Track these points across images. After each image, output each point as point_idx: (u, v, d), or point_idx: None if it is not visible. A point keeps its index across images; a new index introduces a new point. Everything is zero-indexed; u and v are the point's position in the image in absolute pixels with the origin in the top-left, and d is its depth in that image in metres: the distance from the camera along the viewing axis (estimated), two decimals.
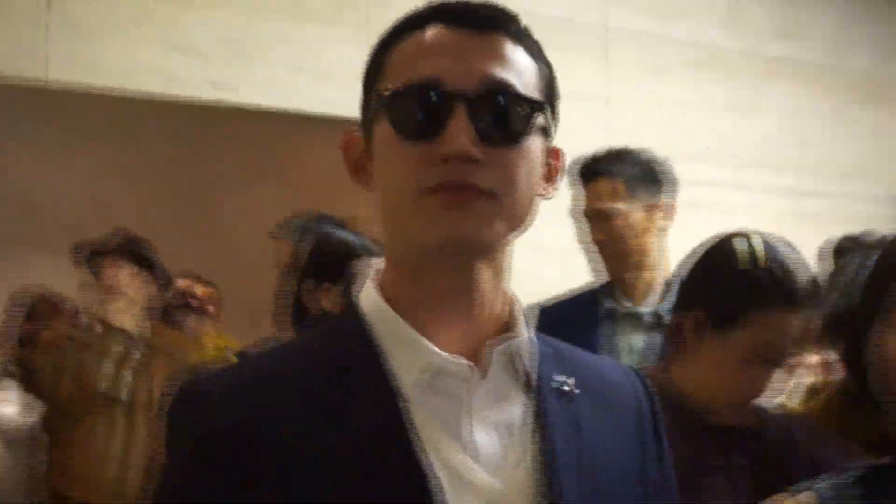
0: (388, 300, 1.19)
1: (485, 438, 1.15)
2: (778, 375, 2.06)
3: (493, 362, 1.18)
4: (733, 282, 2.05)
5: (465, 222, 1.12)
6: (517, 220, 1.17)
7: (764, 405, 2.22)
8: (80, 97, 3.93)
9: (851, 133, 5.79)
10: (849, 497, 1.46)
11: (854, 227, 5.03)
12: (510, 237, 1.18)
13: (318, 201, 5.68)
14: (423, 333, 1.16)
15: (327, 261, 3.12)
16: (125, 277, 4.37)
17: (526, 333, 1.21)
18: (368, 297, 1.22)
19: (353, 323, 1.20)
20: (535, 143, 1.17)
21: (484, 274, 1.18)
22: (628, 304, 3.06)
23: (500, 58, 1.16)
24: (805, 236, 5.12)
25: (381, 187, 1.19)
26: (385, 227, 1.21)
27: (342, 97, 3.93)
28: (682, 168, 4.88)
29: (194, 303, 5.58)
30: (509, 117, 1.14)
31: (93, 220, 6.48)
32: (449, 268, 1.16)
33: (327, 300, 3.08)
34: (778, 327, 2.02)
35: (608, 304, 3.06)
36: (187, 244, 6.66)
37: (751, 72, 5.50)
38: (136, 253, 4.43)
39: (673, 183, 3.09)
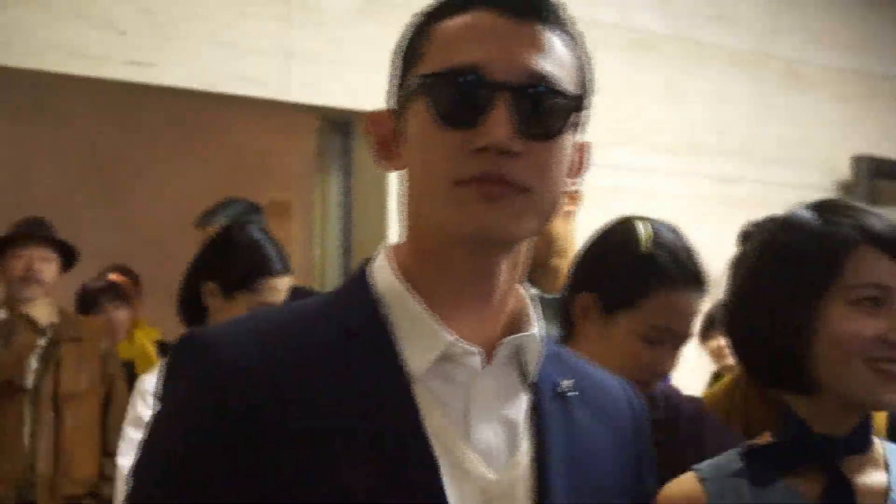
0: (406, 279, 1.17)
1: (485, 430, 1.15)
2: (674, 355, 2.10)
3: (501, 356, 1.18)
4: (628, 264, 2.08)
5: (497, 216, 1.11)
6: (547, 215, 1.16)
7: (676, 391, 2.30)
8: None
9: (776, 120, 5.81)
10: (726, 473, 1.55)
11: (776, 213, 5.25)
12: (536, 233, 1.18)
13: (239, 184, 5.65)
14: (439, 318, 1.15)
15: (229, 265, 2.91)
16: (38, 263, 4.26)
17: (538, 332, 1.21)
18: (383, 273, 1.19)
19: (364, 295, 1.18)
20: (568, 139, 1.17)
21: (504, 267, 1.18)
22: (537, 292, 2.97)
23: (544, 49, 1.14)
24: (730, 221, 5.18)
25: (412, 172, 1.17)
26: (411, 209, 1.19)
27: (264, 75, 4.06)
28: (607, 153, 4.99)
29: (118, 283, 5.48)
30: (550, 112, 1.13)
31: (6, 200, 6.39)
32: (474, 259, 1.15)
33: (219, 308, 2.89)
34: (674, 307, 2.05)
35: (533, 292, 3.00)
36: (104, 227, 6.72)
37: (680, 56, 5.47)
38: (46, 237, 4.32)
39: None
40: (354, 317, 1.16)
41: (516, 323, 1.21)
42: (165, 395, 1.14)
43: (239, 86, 4.08)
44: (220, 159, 7.00)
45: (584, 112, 1.19)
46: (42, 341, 4.23)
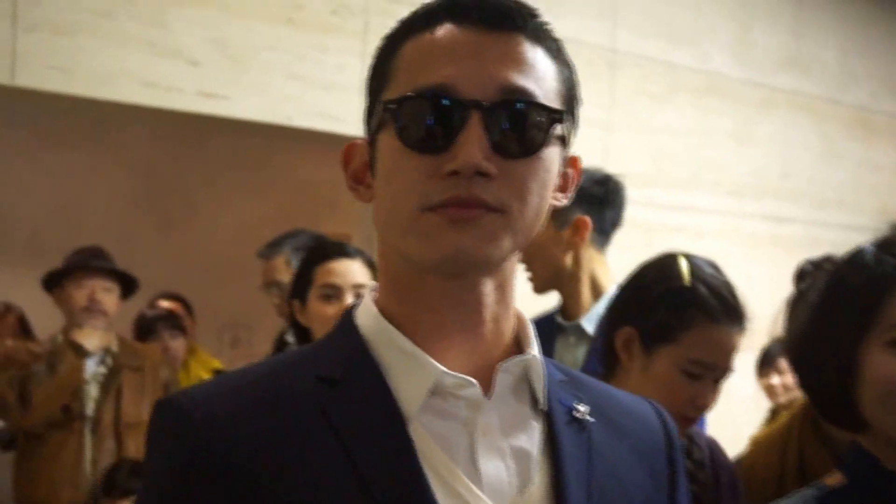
0: (387, 319, 1.11)
1: (491, 466, 1.07)
2: (714, 390, 2.11)
3: (501, 384, 1.10)
4: (669, 297, 2.10)
5: (468, 239, 1.03)
6: (525, 235, 1.08)
7: (715, 443, 2.36)
8: (50, 99, 3.55)
9: (837, 164, 5.82)
10: None
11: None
12: (516, 252, 1.11)
13: (299, 219, 5.61)
14: (426, 353, 1.08)
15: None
16: (100, 293, 4.25)
17: (537, 354, 1.13)
18: (367, 313, 1.13)
19: (348, 338, 1.12)
20: (552, 153, 1.09)
21: (488, 290, 1.10)
22: (560, 319, 3.03)
23: (519, 61, 1.06)
24: (780, 259, 5.16)
25: (380, 201, 1.10)
26: (381, 242, 1.13)
27: (339, 111, 4.02)
28: (667, 193, 5.05)
29: (174, 311, 5.44)
30: (527, 128, 1.05)
31: (60, 227, 6.40)
32: (451, 286, 1.08)
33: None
34: (714, 341, 2.07)
35: (557, 319, 3.05)
36: (161, 256, 6.67)
37: (751, 101, 5.49)
38: (108, 268, 4.31)
39: (585, 201, 2.97)
40: (339, 362, 1.09)
41: (515, 347, 1.14)
42: (147, 461, 1.08)
43: (314, 121, 4.02)
44: (277, 191, 6.97)
45: (567, 124, 1.11)
46: (96, 365, 4.20)
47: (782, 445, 2.40)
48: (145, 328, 5.18)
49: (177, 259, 6.77)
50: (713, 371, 2.09)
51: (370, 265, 2.94)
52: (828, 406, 1.60)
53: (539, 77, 1.07)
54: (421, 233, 1.04)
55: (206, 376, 5.31)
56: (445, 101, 1.03)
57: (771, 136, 5.57)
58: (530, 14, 1.09)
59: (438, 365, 1.06)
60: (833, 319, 1.57)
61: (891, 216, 5.71)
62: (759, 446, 2.59)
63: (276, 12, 3.94)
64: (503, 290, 1.12)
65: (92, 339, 4.23)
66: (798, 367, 1.66)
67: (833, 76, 5.82)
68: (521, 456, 1.09)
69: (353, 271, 2.89)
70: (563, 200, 1.15)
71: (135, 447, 4.09)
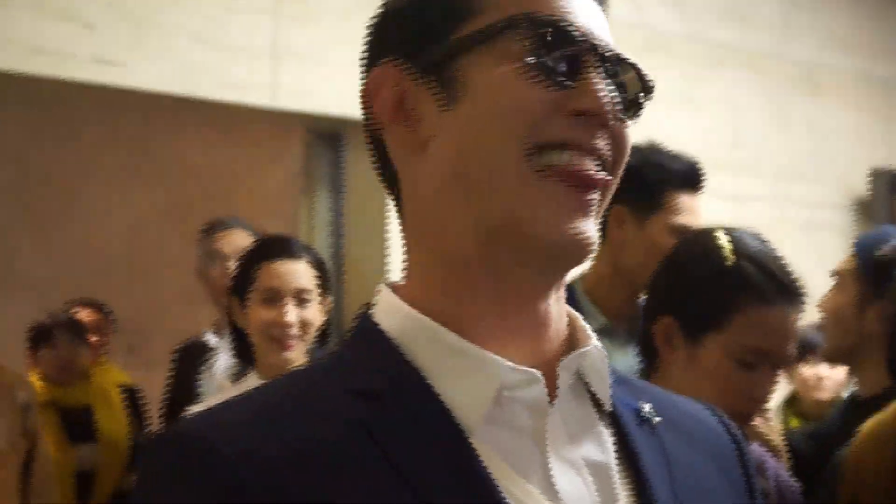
0: (423, 313, 1.00)
1: (568, 482, 0.98)
2: (772, 379, 2.00)
3: (566, 383, 1.01)
4: (711, 280, 1.98)
5: (591, 226, 0.98)
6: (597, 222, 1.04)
7: (782, 471, 2.26)
8: None
9: (790, 130, 5.59)
10: None
11: (797, 234, 5.14)
12: None
13: (197, 205, 5.16)
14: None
15: None
16: None
17: (599, 345, 1.04)
18: (394, 313, 1.02)
19: (375, 344, 1.01)
20: None
21: (560, 284, 1.04)
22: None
23: (604, 23, 1.05)
24: None
25: (459, 140, 0.98)
26: (442, 204, 1.00)
27: (248, 79, 3.76)
28: None
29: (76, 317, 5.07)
30: (634, 89, 1.02)
31: None
32: (539, 279, 1.00)
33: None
34: (768, 324, 1.95)
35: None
36: (40, 250, 6.33)
37: (692, 58, 5.21)
38: None
39: None
40: (372, 374, 0.98)
41: (570, 342, 1.05)
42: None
43: (221, 91, 3.77)
44: (166, 178, 6.57)
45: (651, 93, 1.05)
46: None
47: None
48: (40, 336, 4.80)
49: (58, 259, 6.31)
50: (770, 358, 1.95)
51: (318, 267, 2.80)
52: None
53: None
54: (537, 196, 0.96)
55: (114, 391, 4.99)
56: (574, 32, 0.98)
57: (717, 98, 5.31)
58: None
59: (502, 360, 0.96)
60: None
61: (853, 190, 5.60)
62: (870, 437, 2.37)
63: None
64: (563, 283, 1.05)
65: None
66: None
67: (776, 31, 5.62)
68: (599, 468, 1.01)
69: (297, 274, 2.74)
70: None
71: None
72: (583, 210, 0.97)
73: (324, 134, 4.20)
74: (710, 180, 4.72)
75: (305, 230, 4.26)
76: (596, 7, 1.03)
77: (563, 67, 0.97)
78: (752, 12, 5.44)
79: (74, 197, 6.66)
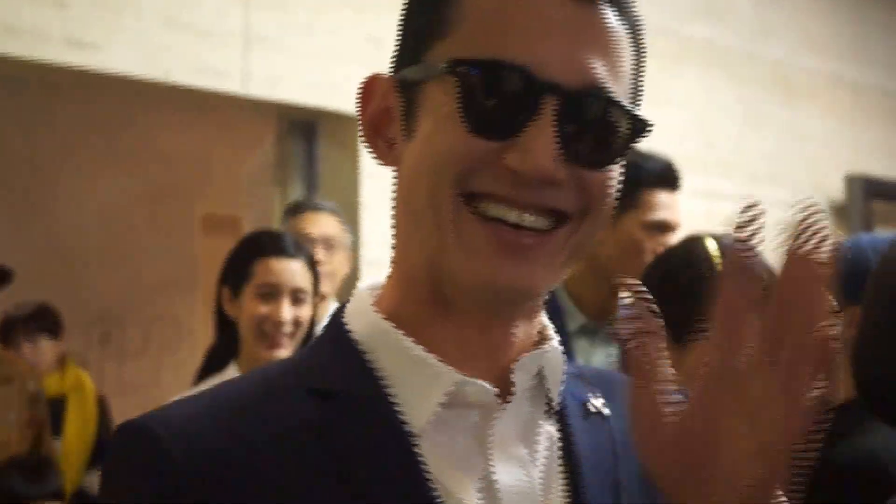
0: (393, 322, 1.01)
1: (511, 478, 1.00)
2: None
3: (522, 385, 1.01)
4: (700, 287, 1.90)
5: (523, 269, 0.95)
6: (582, 254, 1.02)
7: None
8: None
9: (762, 132, 5.64)
10: None
11: (771, 236, 5.13)
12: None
13: (169, 192, 5.13)
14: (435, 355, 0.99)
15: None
16: None
17: (557, 346, 1.04)
18: (362, 317, 1.04)
19: (338, 345, 1.03)
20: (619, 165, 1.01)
21: (525, 309, 1.01)
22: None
23: (607, 46, 0.96)
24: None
25: (410, 171, 0.98)
26: (400, 226, 1.02)
27: (221, 65, 3.73)
28: None
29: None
30: (608, 132, 0.96)
31: None
32: (485, 314, 0.99)
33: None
34: None
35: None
36: (12, 237, 6.27)
37: (663, 52, 5.19)
38: None
39: None
40: (331, 374, 1.00)
41: (538, 342, 1.05)
42: (106, 495, 0.98)
43: (193, 77, 3.74)
44: (142, 163, 6.48)
45: (644, 134, 1.00)
46: None
47: None
48: (7, 328, 4.82)
49: (30, 249, 6.22)
50: None
51: (312, 267, 2.87)
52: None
53: (623, 72, 0.98)
54: (458, 241, 0.95)
55: (88, 380, 4.97)
56: (520, 79, 0.93)
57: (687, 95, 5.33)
58: None
59: (455, 372, 0.97)
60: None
61: (828, 193, 5.61)
62: None
63: None
64: (540, 298, 1.03)
65: None
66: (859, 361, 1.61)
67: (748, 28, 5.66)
68: (535, 463, 1.02)
69: (296, 273, 2.82)
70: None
71: None
72: (509, 253, 0.94)
73: (297, 123, 4.19)
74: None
75: (278, 220, 4.25)
76: (589, 21, 0.96)
77: (503, 116, 0.93)
78: (727, 9, 5.51)
79: (46, 183, 6.62)
